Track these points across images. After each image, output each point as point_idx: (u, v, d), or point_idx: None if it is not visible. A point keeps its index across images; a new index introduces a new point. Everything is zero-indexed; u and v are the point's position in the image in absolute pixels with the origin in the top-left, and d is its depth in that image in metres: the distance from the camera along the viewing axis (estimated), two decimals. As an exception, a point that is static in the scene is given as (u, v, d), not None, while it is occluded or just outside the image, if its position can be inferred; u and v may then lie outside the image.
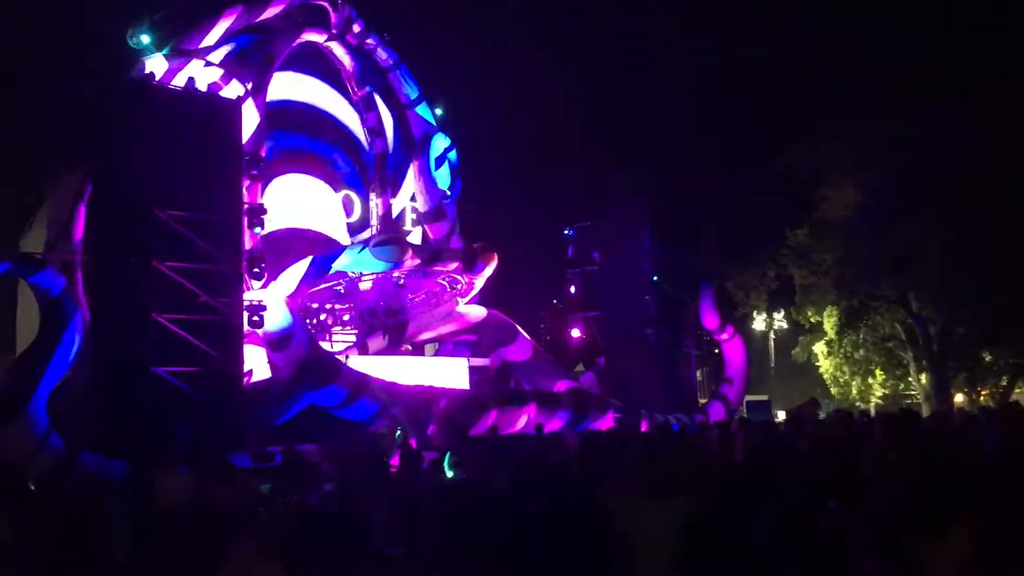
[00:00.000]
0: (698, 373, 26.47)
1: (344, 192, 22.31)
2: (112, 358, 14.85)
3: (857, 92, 27.94)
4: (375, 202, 23.18)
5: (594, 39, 29.94)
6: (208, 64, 17.12)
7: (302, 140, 21.41)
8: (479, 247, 22.57)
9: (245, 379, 16.54)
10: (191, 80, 15.92)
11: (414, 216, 24.04)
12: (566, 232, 27.18)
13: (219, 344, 15.41)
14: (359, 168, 23.06)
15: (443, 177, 24.01)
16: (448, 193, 24.15)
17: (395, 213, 23.68)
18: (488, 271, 22.44)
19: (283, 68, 20.21)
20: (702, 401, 24.80)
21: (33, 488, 9.84)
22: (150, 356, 14.84)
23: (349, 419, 17.56)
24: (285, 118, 20.40)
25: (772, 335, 36.90)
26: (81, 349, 14.32)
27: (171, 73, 16.40)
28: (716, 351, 26.01)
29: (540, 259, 27.63)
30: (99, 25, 17.61)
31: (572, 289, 26.79)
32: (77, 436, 13.79)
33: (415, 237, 23.46)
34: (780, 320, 36.41)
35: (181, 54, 17.34)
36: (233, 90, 16.69)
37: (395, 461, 11.34)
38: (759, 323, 36.29)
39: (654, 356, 24.12)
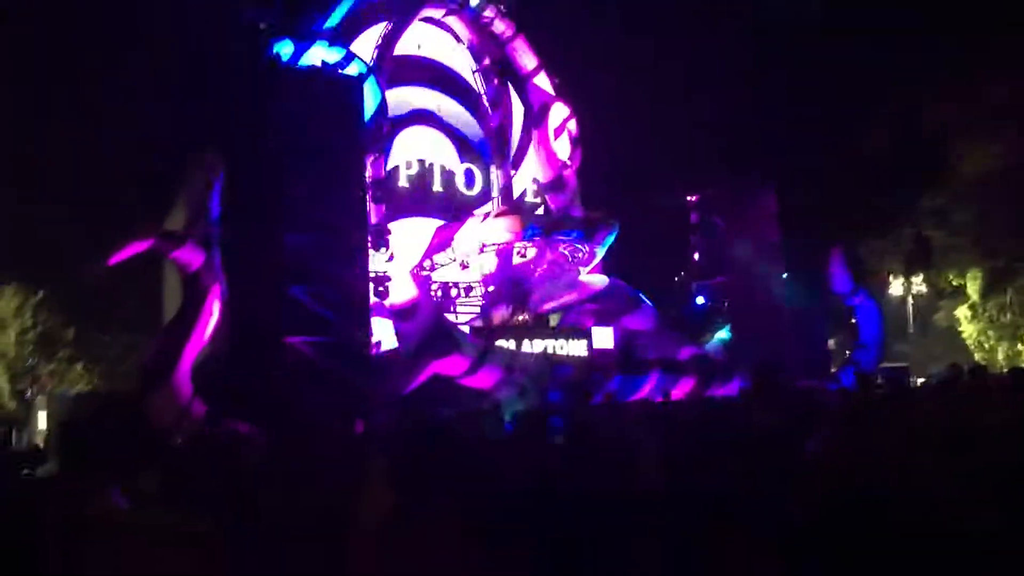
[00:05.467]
0: (831, 340, 25.69)
1: (467, 165, 22.57)
2: (248, 329, 15.58)
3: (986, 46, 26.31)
4: (495, 174, 23.38)
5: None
6: (332, 45, 17.63)
7: (430, 110, 21.92)
8: (599, 216, 22.55)
9: (373, 349, 17.07)
10: (315, 61, 16.45)
11: (535, 188, 24.12)
12: (689, 198, 26.75)
13: (348, 314, 15.98)
14: (482, 138, 23.33)
15: (562, 147, 24.01)
16: (568, 163, 24.15)
17: (517, 187, 23.78)
18: (609, 240, 22.40)
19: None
20: (834, 369, 24.01)
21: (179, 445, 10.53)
22: (284, 327, 15.53)
23: (474, 387, 17.93)
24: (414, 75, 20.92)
25: (911, 300, 35.37)
26: (219, 321, 15.17)
27: (297, 55, 16.96)
28: (852, 319, 25.14)
29: (663, 226, 27.30)
30: (226, 11, 18.36)
31: (696, 256, 26.43)
32: (218, 403, 14.63)
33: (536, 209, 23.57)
34: (919, 284, 34.87)
35: (305, 36, 17.92)
36: (355, 69, 17.14)
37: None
38: (896, 287, 34.84)
39: (783, 322, 23.51)
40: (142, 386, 14.90)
